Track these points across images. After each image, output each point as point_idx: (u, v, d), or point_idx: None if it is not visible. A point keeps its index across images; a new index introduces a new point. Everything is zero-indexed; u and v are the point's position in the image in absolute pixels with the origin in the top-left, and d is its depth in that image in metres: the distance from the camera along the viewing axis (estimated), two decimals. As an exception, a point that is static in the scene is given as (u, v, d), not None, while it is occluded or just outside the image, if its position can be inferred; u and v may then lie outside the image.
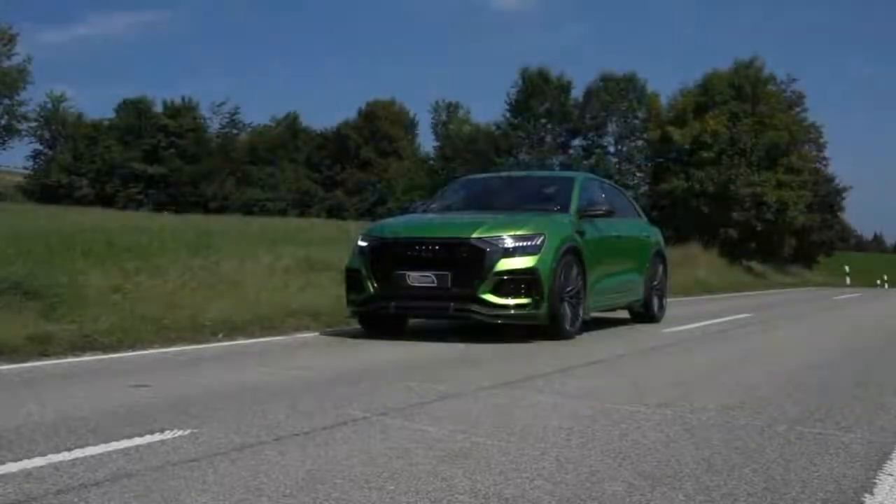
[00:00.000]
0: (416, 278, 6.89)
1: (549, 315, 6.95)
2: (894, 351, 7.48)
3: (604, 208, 8.19)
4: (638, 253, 9.42)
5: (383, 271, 7.05)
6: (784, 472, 2.81)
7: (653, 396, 4.33)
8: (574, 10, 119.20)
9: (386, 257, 7.10)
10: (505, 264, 6.80)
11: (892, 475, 2.82)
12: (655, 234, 10.24)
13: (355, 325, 7.66)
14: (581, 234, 7.67)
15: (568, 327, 7.23)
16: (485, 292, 6.75)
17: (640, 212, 10.48)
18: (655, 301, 9.67)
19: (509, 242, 6.89)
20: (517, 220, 7.31)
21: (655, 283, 9.69)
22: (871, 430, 3.56)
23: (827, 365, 6.03)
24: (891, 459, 3.03)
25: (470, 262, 6.82)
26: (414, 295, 6.93)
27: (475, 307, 6.78)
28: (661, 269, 9.94)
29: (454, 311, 6.86)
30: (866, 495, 2.58)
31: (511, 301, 6.80)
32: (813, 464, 2.95)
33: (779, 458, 3.03)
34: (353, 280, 7.31)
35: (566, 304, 7.20)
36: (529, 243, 6.94)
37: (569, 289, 7.24)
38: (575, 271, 7.36)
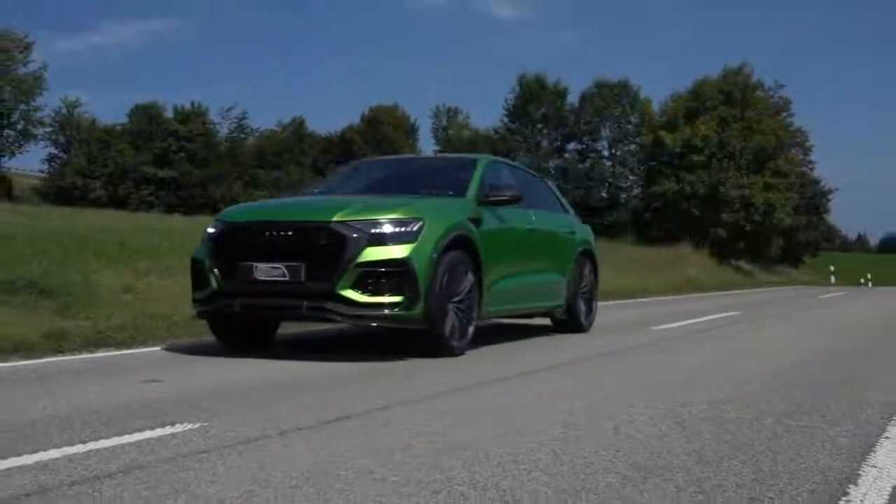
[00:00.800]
0: (264, 271, 5.68)
1: (425, 317, 5.69)
2: (878, 348, 7.56)
3: (509, 194, 6.84)
4: (558, 251, 8.02)
5: (228, 263, 5.85)
6: (772, 464, 2.87)
7: (645, 392, 4.40)
8: (573, 16, 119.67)
9: (232, 246, 5.90)
10: (371, 254, 5.57)
11: (875, 467, 2.87)
12: (583, 232, 8.83)
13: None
14: (477, 222, 6.43)
15: (453, 342, 5.95)
16: (344, 288, 5.52)
17: (568, 207, 9.04)
18: (582, 307, 8.31)
19: (378, 228, 5.66)
20: (391, 203, 6.05)
21: (583, 286, 8.37)
22: (855, 424, 3.63)
23: (813, 362, 6.09)
24: (874, 452, 3.10)
25: (329, 252, 5.59)
26: (261, 291, 5.72)
27: (332, 305, 5.56)
28: (588, 271, 8.61)
29: (307, 310, 5.63)
30: (851, 486, 2.63)
31: (376, 299, 5.57)
32: (800, 456, 3.01)
33: (767, 450, 3.08)
34: (196, 273, 6.10)
35: (451, 310, 5.94)
36: (403, 229, 5.71)
37: (456, 289, 6.01)
38: (464, 267, 6.11)
